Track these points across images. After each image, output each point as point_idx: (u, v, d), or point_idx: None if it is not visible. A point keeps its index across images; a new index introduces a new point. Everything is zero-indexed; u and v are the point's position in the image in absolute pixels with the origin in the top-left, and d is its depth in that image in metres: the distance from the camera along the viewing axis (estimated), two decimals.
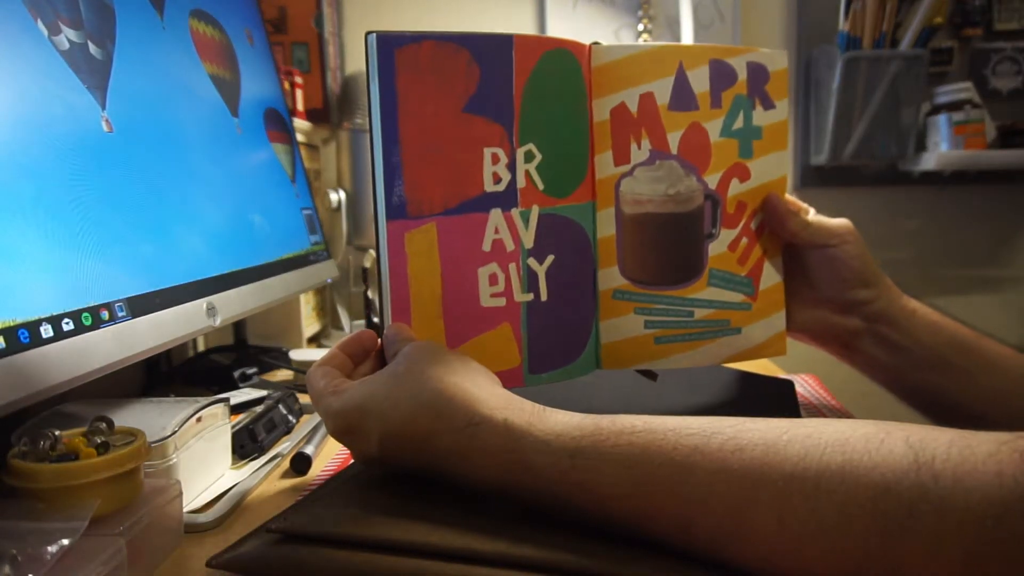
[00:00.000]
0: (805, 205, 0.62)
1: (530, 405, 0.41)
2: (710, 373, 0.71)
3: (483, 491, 0.40)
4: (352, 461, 0.55)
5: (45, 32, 0.50)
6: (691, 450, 0.35)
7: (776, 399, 0.66)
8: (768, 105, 0.60)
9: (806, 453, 0.33)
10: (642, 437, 0.36)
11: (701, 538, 0.34)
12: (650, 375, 0.63)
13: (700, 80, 0.58)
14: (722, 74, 0.58)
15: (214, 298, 0.61)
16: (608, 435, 0.37)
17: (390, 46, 0.49)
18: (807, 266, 0.61)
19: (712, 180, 0.59)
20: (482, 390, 0.42)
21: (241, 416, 0.62)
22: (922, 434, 0.32)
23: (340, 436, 0.45)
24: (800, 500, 0.32)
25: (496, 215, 0.52)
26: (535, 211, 0.53)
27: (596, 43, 0.57)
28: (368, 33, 0.49)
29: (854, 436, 0.33)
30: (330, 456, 0.60)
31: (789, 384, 0.69)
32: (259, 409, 0.64)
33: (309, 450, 0.58)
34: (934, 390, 0.58)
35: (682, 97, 0.58)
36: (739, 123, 0.59)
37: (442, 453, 0.40)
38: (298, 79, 1.14)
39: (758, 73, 0.60)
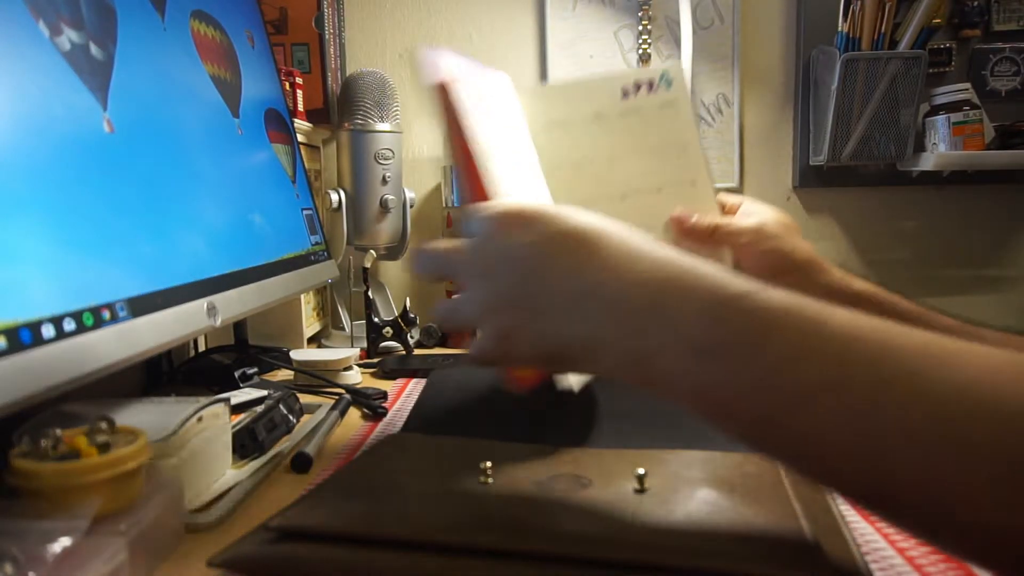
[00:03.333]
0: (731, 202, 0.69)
1: None
2: None
3: None
4: (351, 460, 0.55)
5: (46, 33, 0.50)
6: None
7: None
8: None
9: None
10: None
11: None
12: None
13: None
14: None
15: (215, 298, 0.62)
16: None
17: None
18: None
19: None
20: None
21: (242, 416, 0.62)
22: None
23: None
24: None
25: None
26: None
27: None
28: None
29: None
30: (330, 456, 0.60)
31: None
32: (259, 409, 0.64)
33: (309, 450, 0.58)
34: None
35: None
36: None
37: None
38: (298, 80, 1.14)
39: None
